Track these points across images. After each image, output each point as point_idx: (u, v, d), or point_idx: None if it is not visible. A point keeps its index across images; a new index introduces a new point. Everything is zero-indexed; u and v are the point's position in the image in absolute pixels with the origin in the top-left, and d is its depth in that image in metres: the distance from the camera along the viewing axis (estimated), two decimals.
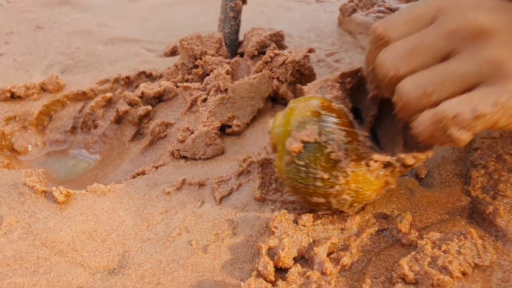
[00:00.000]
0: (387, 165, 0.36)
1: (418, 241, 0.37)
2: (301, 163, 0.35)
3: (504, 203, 0.40)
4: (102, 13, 1.16)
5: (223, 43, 0.68)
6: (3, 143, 0.66)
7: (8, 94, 0.68)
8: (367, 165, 0.36)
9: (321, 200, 0.36)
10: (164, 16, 1.10)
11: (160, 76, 0.69)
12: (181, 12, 1.12)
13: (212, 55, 0.65)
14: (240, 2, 0.71)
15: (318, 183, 0.35)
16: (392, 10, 0.88)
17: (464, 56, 0.30)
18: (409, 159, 0.36)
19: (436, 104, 0.30)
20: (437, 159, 0.48)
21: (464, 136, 0.29)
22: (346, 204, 0.37)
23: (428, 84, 0.30)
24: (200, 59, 0.64)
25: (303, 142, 0.35)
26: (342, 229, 0.40)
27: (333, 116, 0.36)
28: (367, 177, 0.36)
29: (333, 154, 0.34)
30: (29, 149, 0.67)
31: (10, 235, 0.42)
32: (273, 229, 0.38)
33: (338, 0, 1.05)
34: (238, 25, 0.72)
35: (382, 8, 0.87)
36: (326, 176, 0.35)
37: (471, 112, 0.28)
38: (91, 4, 1.25)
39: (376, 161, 0.36)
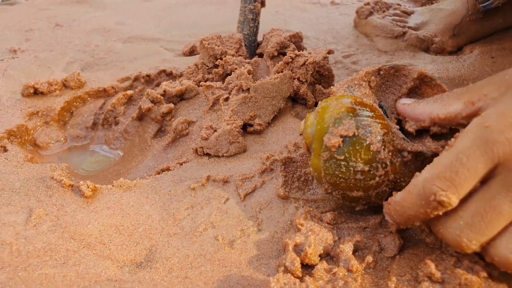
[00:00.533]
0: (418, 155, 0.37)
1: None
2: (341, 157, 0.36)
3: None
4: (119, 12, 1.18)
5: (243, 44, 0.68)
6: (26, 138, 0.67)
7: (32, 90, 0.70)
8: (402, 156, 0.37)
9: (361, 193, 0.37)
10: (179, 15, 1.12)
11: (180, 75, 0.70)
12: (196, 11, 1.13)
13: (232, 55, 0.66)
14: (259, 5, 0.71)
15: (359, 176, 0.36)
16: (407, 13, 0.89)
17: None
18: (440, 149, 0.37)
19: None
20: None
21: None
22: (384, 197, 0.38)
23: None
24: (221, 59, 0.65)
25: (342, 136, 0.35)
26: (365, 227, 0.40)
27: (367, 110, 0.37)
28: (402, 168, 0.37)
29: (372, 146, 0.35)
30: (51, 144, 0.68)
31: (40, 227, 0.43)
32: (299, 226, 0.38)
33: (353, 3, 1.05)
34: (256, 26, 0.73)
35: (397, 11, 0.88)
36: (366, 168, 0.35)
37: None
38: (108, 3, 1.27)
39: (409, 151, 0.37)
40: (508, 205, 0.30)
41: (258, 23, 0.73)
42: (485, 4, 0.71)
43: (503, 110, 0.30)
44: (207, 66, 0.67)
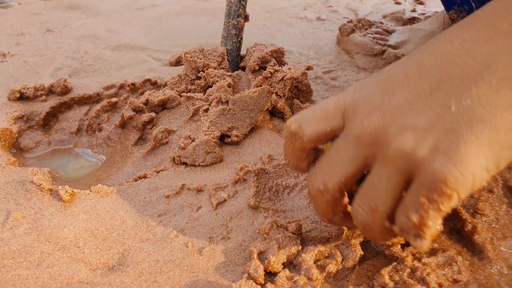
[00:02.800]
0: None
1: (399, 253, 0.39)
2: None
3: (483, 221, 0.43)
4: (111, 19, 1.20)
5: (226, 57, 0.71)
6: (10, 141, 0.68)
7: (18, 95, 0.71)
8: None
9: None
10: (170, 25, 1.14)
11: (165, 85, 0.72)
12: (187, 22, 1.15)
13: (214, 68, 0.69)
14: (242, 20, 0.74)
15: None
16: (388, 32, 0.92)
17: (378, 162, 0.31)
18: None
19: (391, 212, 0.31)
20: None
21: (420, 244, 0.29)
22: None
23: (368, 200, 0.31)
24: (203, 71, 0.67)
25: None
26: (328, 238, 0.42)
27: None
28: None
29: None
30: (35, 148, 0.69)
31: (16, 229, 0.44)
32: (264, 235, 0.40)
33: (338, 20, 1.09)
34: (240, 42, 0.75)
35: (379, 30, 0.91)
36: None
37: (412, 222, 0.29)
38: (101, 10, 1.29)
39: None
40: (348, 150, 0.32)
41: (241, 38, 0.76)
42: None
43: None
44: (190, 77, 0.69)
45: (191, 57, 0.67)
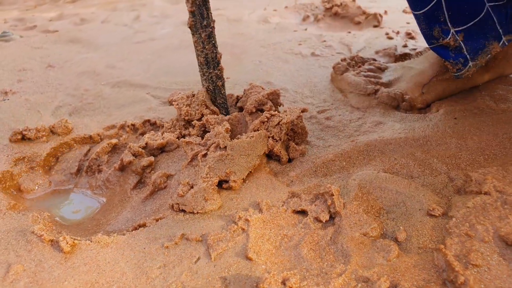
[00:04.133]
0: None
1: None
2: None
3: (475, 272, 0.44)
4: (110, 53, 1.23)
5: (208, 103, 0.70)
6: (10, 183, 0.69)
7: (19, 136, 0.73)
8: None
9: None
10: (168, 60, 1.17)
11: (163, 126, 0.74)
12: (185, 57, 1.18)
13: (201, 114, 0.69)
14: (223, 67, 0.71)
15: None
16: (381, 69, 0.95)
17: None
18: None
19: None
20: (416, 224, 0.52)
21: None
22: None
23: None
24: (190, 121, 0.68)
25: None
26: None
27: None
28: None
29: None
30: (35, 189, 0.70)
31: (17, 283, 0.45)
32: None
33: (332, 55, 1.12)
34: (224, 87, 0.73)
35: (372, 67, 0.94)
36: None
37: None
38: (101, 43, 1.32)
39: None
40: None
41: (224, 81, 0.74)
42: (457, 74, 0.78)
43: None
44: (181, 123, 0.71)
45: (177, 105, 0.69)
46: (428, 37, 0.77)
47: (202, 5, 0.65)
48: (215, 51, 0.69)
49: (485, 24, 0.73)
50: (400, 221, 0.53)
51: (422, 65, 0.89)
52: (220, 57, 0.70)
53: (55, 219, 0.63)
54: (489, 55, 0.75)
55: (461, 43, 0.74)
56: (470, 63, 0.75)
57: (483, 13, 0.73)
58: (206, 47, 0.68)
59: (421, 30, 0.77)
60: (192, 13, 0.65)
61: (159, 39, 1.36)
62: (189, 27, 0.66)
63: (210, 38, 0.67)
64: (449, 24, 0.73)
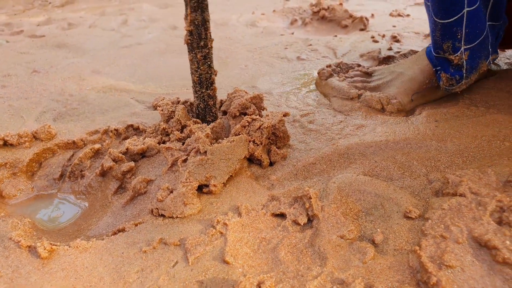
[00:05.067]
0: None
1: None
2: None
3: (448, 273, 0.45)
4: (97, 58, 1.23)
5: (187, 113, 0.70)
6: None
7: (1, 142, 0.72)
8: None
9: None
10: (155, 64, 1.17)
11: (146, 131, 0.74)
12: (171, 62, 1.19)
13: (183, 125, 0.69)
14: (216, 87, 0.70)
15: None
16: (368, 73, 0.96)
17: None
18: None
19: None
20: (393, 226, 0.53)
21: None
22: None
23: None
24: (183, 127, 0.68)
25: None
26: None
27: None
28: None
29: None
30: (17, 195, 0.70)
31: None
32: None
33: (318, 59, 1.13)
34: (215, 105, 0.73)
35: (358, 72, 0.95)
36: None
37: None
38: (88, 48, 1.32)
39: None
40: None
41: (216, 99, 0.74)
42: (448, 88, 0.79)
43: None
44: (165, 128, 0.71)
45: (161, 110, 0.70)
46: (436, 46, 0.78)
47: (200, 26, 0.63)
48: (209, 72, 0.67)
49: (484, 43, 0.75)
50: (378, 223, 0.54)
51: (412, 71, 0.89)
52: (216, 75, 0.69)
53: (36, 225, 0.63)
54: (477, 74, 0.78)
55: (464, 62, 0.76)
56: (463, 81, 0.77)
57: (485, 32, 0.74)
58: (201, 68, 0.66)
59: (432, 36, 0.78)
60: (189, 32, 0.63)
61: (146, 43, 1.37)
62: (186, 44, 0.65)
63: (205, 59, 0.66)
64: (462, 41, 0.74)
